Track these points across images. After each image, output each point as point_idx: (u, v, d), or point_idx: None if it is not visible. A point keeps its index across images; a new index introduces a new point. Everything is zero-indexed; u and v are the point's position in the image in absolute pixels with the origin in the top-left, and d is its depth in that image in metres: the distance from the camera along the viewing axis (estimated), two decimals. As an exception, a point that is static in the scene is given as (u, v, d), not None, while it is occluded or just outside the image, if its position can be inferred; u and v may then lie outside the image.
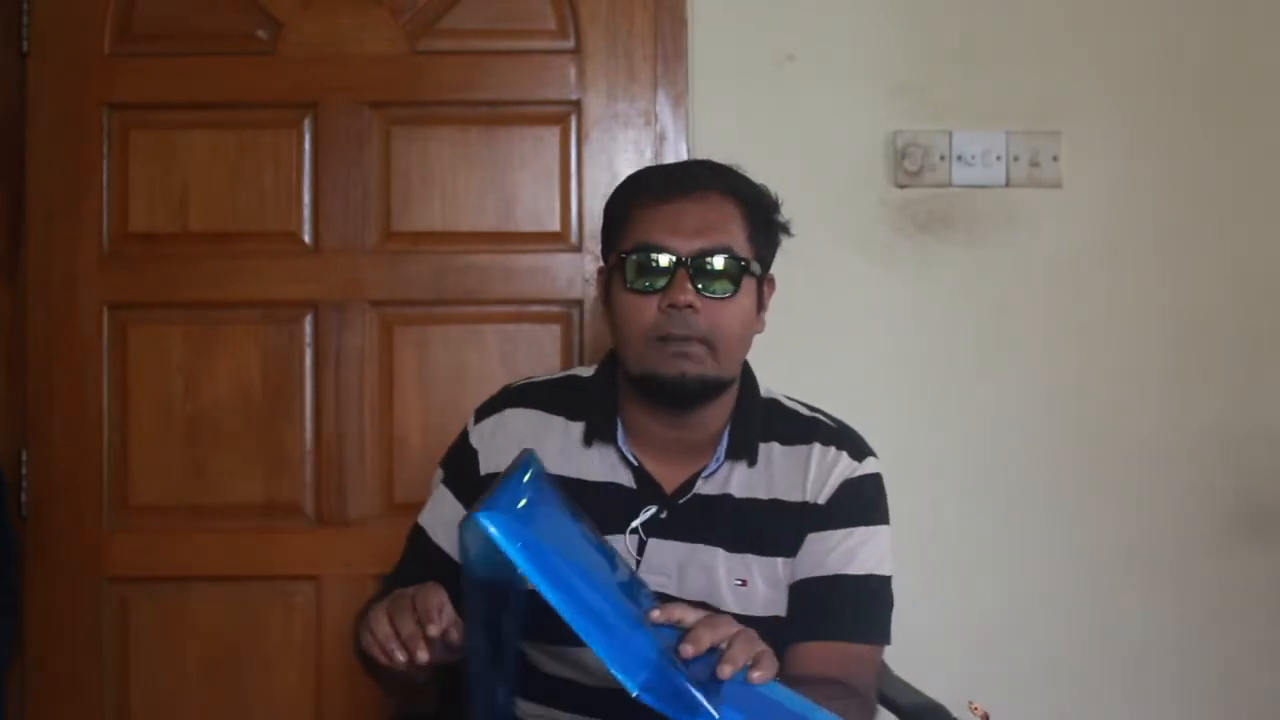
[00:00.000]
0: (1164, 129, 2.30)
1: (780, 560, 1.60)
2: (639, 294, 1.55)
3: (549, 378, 1.73)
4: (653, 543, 1.59)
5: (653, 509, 1.60)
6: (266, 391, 2.30)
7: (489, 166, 2.31)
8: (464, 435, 1.69)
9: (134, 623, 2.30)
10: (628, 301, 1.56)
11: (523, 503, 1.25)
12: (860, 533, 1.62)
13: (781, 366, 2.24)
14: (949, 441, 2.29)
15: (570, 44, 2.31)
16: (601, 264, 1.68)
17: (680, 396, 1.57)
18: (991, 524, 2.30)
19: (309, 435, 2.30)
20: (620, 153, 2.30)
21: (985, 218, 2.30)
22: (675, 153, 2.29)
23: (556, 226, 2.31)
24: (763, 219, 1.62)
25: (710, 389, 1.58)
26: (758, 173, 1.68)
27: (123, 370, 2.30)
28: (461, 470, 1.66)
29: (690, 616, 1.28)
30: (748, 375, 1.67)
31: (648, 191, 1.59)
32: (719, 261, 1.55)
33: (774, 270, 1.67)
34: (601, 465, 1.62)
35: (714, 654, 1.26)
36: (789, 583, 1.61)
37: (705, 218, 1.56)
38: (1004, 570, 2.30)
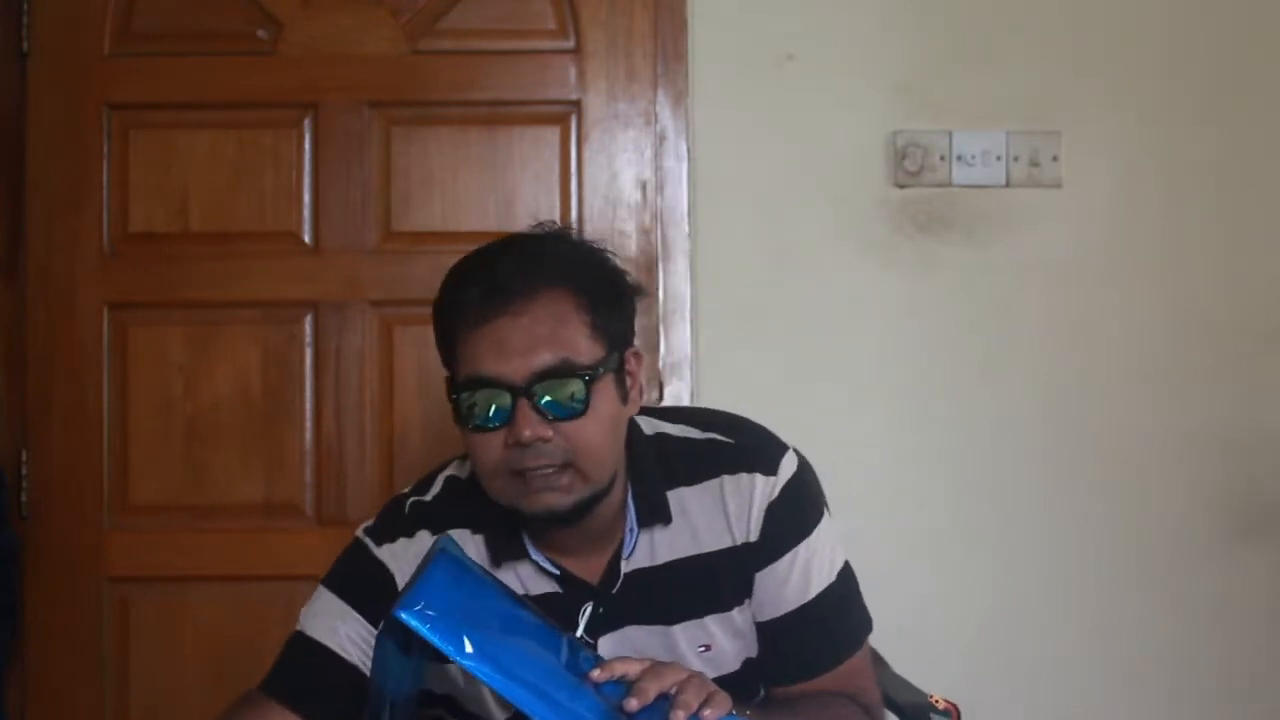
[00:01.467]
0: (1164, 129, 2.30)
1: (735, 611, 1.51)
2: (481, 433, 1.38)
3: (435, 493, 1.54)
4: (602, 641, 1.47)
5: (588, 608, 1.47)
6: (266, 391, 2.30)
7: (489, 166, 2.31)
8: (365, 554, 1.51)
9: (134, 623, 2.30)
10: (471, 440, 1.40)
11: (439, 591, 1.24)
12: (804, 548, 1.50)
13: (780, 367, 2.26)
14: (949, 441, 2.29)
15: (570, 44, 2.31)
16: (447, 374, 1.46)
17: (556, 524, 1.43)
18: (991, 524, 2.30)
19: (309, 435, 2.30)
20: (620, 153, 2.30)
21: (985, 218, 2.30)
22: (675, 153, 2.29)
23: (557, 226, 2.30)
24: (606, 297, 1.42)
25: (587, 507, 1.43)
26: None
27: (123, 370, 2.30)
28: (366, 590, 1.49)
29: (634, 670, 1.24)
30: (630, 429, 1.50)
31: (466, 311, 1.38)
32: (560, 380, 1.36)
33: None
34: (522, 580, 1.48)
35: (664, 701, 1.24)
36: (754, 622, 1.52)
37: (534, 332, 1.36)
38: (1004, 570, 2.30)
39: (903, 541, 2.26)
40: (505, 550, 1.48)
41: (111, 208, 2.30)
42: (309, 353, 2.30)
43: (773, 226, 2.27)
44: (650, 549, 1.49)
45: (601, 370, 1.40)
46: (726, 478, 1.49)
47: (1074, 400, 2.30)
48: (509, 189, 2.31)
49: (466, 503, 1.51)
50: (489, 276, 1.39)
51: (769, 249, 2.26)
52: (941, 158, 2.28)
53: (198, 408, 2.30)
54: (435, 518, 1.51)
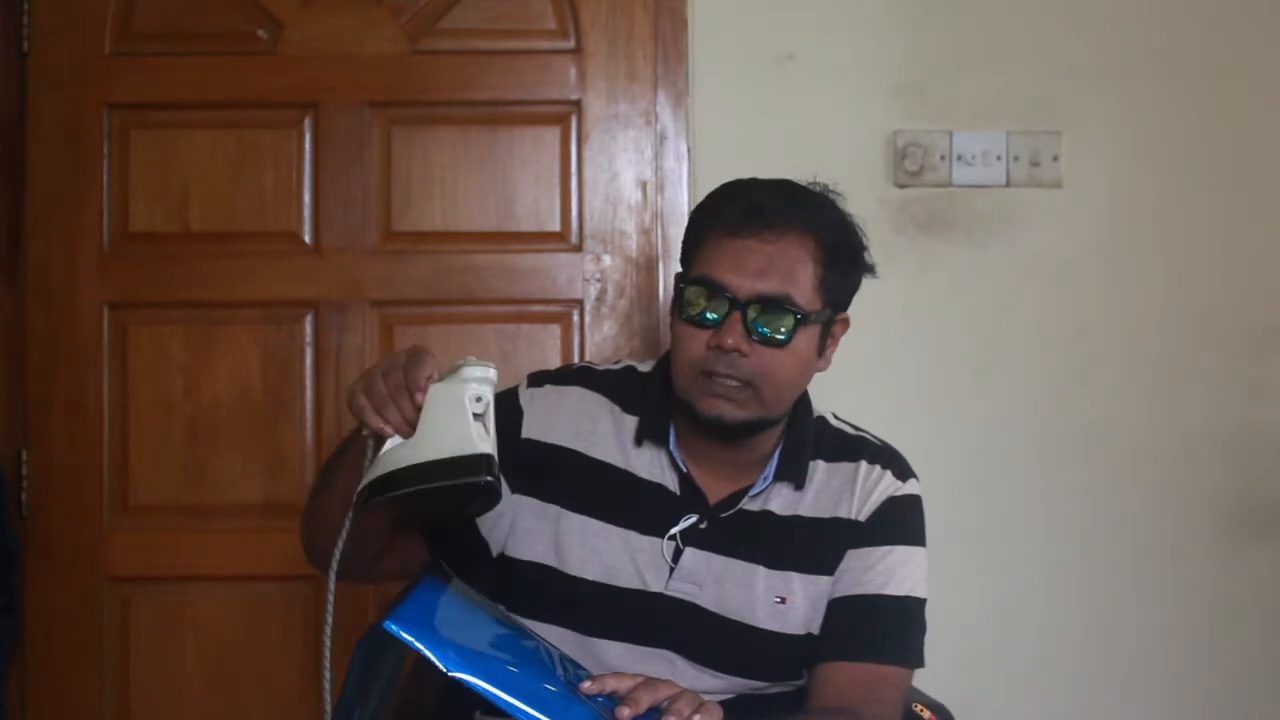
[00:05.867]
0: (1164, 129, 2.30)
1: (826, 578, 1.59)
2: (691, 325, 1.53)
3: (609, 366, 1.70)
4: (689, 551, 1.57)
5: (694, 518, 1.58)
6: (266, 391, 2.30)
7: (489, 166, 2.31)
8: (512, 394, 1.63)
9: (134, 623, 2.30)
10: (680, 330, 1.54)
11: (432, 606, 1.26)
12: (900, 552, 1.61)
13: (781, 366, 2.25)
14: (948, 441, 2.29)
15: (570, 44, 2.31)
16: (680, 270, 1.64)
17: (717, 434, 1.55)
18: (991, 524, 2.30)
19: (309, 435, 2.30)
20: (620, 153, 2.30)
21: (985, 218, 2.30)
22: (675, 153, 2.29)
23: (556, 226, 2.31)
24: (842, 261, 1.58)
25: (751, 429, 1.56)
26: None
27: (123, 370, 2.30)
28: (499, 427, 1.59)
29: (625, 684, 1.29)
30: (803, 397, 1.64)
31: (723, 219, 1.54)
32: (775, 310, 1.51)
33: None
34: (650, 465, 1.60)
35: (655, 714, 1.28)
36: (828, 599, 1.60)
37: (772, 261, 1.52)
38: (1003, 570, 2.30)
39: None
40: (651, 432, 1.60)
41: (111, 208, 2.30)
42: (309, 353, 2.30)
43: (773, 226, 2.26)
44: (773, 499, 1.60)
45: (813, 318, 1.54)
46: (864, 464, 1.64)
47: (1073, 400, 2.30)
48: (509, 189, 2.31)
49: (633, 387, 1.64)
50: (755, 201, 1.55)
51: (769, 249, 2.26)
52: (942, 158, 2.28)
53: (198, 408, 2.30)
54: (598, 383, 1.64)
